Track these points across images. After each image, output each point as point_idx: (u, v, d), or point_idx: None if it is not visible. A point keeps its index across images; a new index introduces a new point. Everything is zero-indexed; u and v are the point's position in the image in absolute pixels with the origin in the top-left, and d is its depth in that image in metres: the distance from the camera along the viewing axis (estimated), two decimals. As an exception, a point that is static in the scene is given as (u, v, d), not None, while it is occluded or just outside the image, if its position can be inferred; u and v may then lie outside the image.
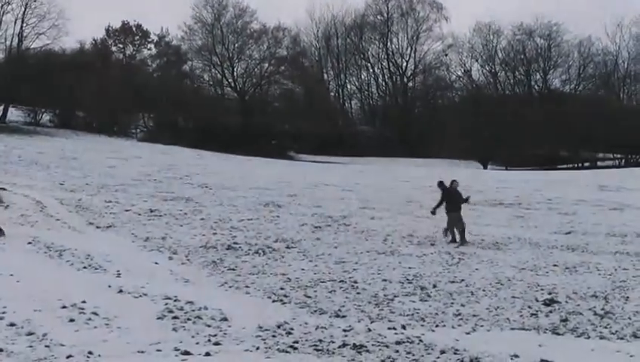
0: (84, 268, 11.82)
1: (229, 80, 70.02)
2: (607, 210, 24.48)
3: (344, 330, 8.74)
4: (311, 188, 28.36)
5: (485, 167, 61.18)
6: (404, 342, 8.26)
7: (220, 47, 68.61)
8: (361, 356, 7.70)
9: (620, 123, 57.28)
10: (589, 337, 9.07)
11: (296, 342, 8.07)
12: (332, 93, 77.97)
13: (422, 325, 9.41)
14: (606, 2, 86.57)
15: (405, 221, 19.95)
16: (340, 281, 11.95)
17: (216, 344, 7.84)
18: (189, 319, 8.81)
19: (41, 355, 7.08)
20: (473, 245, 16.22)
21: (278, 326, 8.68)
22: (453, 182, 17.52)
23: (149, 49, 71.21)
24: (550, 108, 61.47)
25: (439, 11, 75.63)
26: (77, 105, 56.91)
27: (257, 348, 7.73)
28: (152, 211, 18.97)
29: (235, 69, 69.88)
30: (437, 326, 9.43)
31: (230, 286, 11.35)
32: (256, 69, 69.73)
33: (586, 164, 61.78)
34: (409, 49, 75.85)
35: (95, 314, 8.65)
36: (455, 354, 7.90)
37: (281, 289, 11.24)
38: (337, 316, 9.71)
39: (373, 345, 8.11)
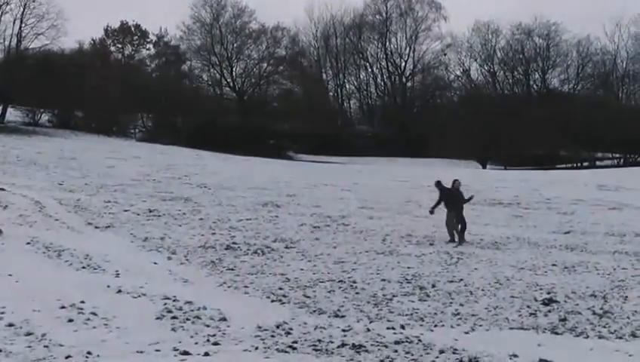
0: (83, 268, 11.81)
1: (228, 80, 70.07)
2: (606, 210, 24.51)
3: (343, 330, 8.74)
4: (310, 188, 28.36)
5: (484, 167, 61.20)
6: (403, 342, 8.26)
7: (219, 47, 68.67)
8: (360, 356, 7.70)
9: (618, 122, 57.33)
10: (587, 336, 9.08)
11: (295, 342, 8.07)
12: (331, 93, 78.00)
13: (421, 325, 9.41)
14: (605, 2, 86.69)
15: (404, 221, 19.96)
16: (339, 281, 11.95)
17: (215, 344, 7.84)
18: (187, 319, 8.80)
19: (39, 355, 7.08)
20: (472, 245, 16.23)
21: (277, 326, 8.68)
22: (455, 181, 17.51)
23: (148, 49, 71.39)
24: (549, 107, 61.46)
25: (438, 11, 75.82)
26: (76, 105, 56.86)
27: (256, 348, 7.73)
28: (150, 211, 18.97)
29: (233, 69, 69.96)
30: (436, 325, 9.43)
31: (229, 286, 11.34)
32: (254, 69, 69.79)
33: (585, 164, 61.79)
34: (408, 49, 76.02)
35: (94, 314, 8.64)
36: (454, 353, 7.91)
37: (280, 289, 11.24)
38: (336, 316, 9.71)
39: (372, 344, 8.11)
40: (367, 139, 69.00)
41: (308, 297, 10.76)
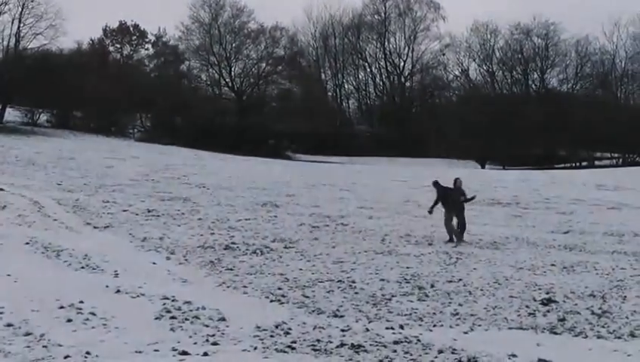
0: (82, 268, 11.80)
1: (227, 80, 70.08)
2: (604, 210, 24.54)
3: (342, 330, 8.73)
4: (308, 188, 28.37)
5: (483, 167, 61.25)
6: (401, 342, 8.26)
7: (218, 47, 68.67)
8: (358, 356, 7.69)
9: (617, 122, 57.37)
10: (586, 336, 9.07)
11: (294, 342, 8.06)
12: (329, 93, 78.05)
13: (420, 325, 9.40)
14: (603, 2, 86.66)
15: (403, 221, 19.97)
16: (338, 281, 11.94)
17: (214, 344, 7.83)
18: (186, 319, 8.80)
19: (38, 355, 7.07)
20: (471, 245, 16.23)
21: (276, 326, 8.67)
22: (456, 180, 17.48)
23: (147, 49, 71.43)
24: (548, 107, 61.55)
25: (436, 11, 75.88)
26: (74, 105, 56.86)
27: (255, 348, 7.72)
28: (149, 211, 18.96)
29: (232, 69, 70.01)
30: (435, 325, 9.42)
31: (228, 286, 11.33)
32: (253, 69, 69.82)
33: (584, 164, 61.88)
34: (406, 49, 76.08)
35: (93, 314, 8.64)
36: (453, 353, 7.90)
37: (279, 289, 11.22)
38: (335, 316, 9.70)
39: (370, 344, 8.10)
40: (365, 139, 69.03)
41: (307, 297, 10.75)
